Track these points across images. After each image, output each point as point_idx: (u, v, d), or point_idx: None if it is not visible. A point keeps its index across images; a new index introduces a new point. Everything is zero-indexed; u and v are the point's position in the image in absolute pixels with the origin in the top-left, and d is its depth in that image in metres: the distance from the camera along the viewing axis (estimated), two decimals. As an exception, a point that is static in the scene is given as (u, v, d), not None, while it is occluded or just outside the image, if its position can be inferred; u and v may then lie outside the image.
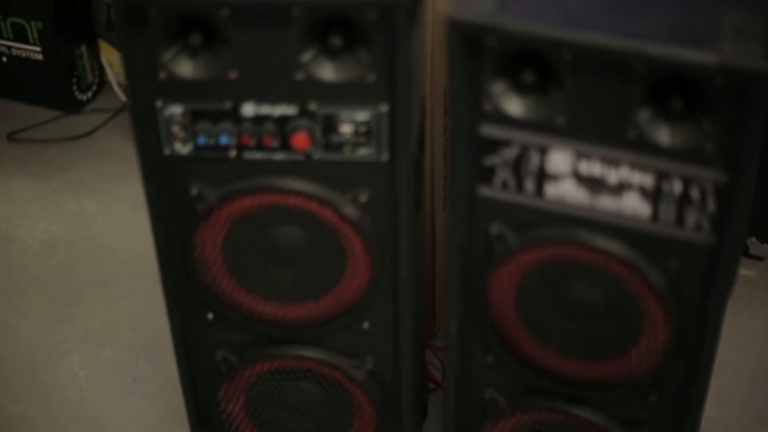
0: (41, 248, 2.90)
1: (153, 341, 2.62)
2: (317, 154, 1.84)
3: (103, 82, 3.38)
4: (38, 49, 3.27)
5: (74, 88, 3.33)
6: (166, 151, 1.86)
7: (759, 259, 2.83)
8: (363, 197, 1.87)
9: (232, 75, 1.78)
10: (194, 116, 1.82)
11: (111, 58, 3.22)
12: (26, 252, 2.89)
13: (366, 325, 2.01)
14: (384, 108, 1.79)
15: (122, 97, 3.20)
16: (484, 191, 1.80)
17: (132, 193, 2.90)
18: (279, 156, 1.85)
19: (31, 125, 3.29)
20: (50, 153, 3.21)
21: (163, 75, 1.78)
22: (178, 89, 1.80)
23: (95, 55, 3.31)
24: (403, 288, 1.96)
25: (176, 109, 1.82)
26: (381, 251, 1.93)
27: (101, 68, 3.34)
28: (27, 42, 3.27)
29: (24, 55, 3.29)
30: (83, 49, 3.31)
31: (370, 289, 1.97)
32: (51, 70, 3.29)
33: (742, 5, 1.66)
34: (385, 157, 1.84)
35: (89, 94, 3.37)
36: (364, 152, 1.83)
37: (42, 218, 2.97)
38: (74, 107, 3.33)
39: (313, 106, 1.80)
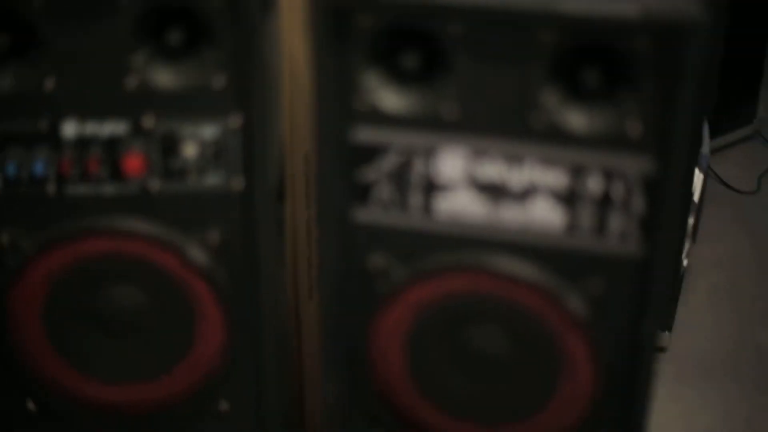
0: None
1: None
2: (155, 184, 1.50)
3: None
4: None
5: None
6: (-32, 190, 1.51)
7: (661, 350, 2.53)
8: (213, 238, 1.53)
9: (49, 85, 1.45)
10: (2, 140, 1.48)
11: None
12: None
13: (225, 406, 1.64)
14: (236, 121, 1.47)
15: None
16: (360, 215, 1.48)
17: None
18: (109, 189, 1.51)
19: None
20: None
21: (-42, 88, 1.45)
22: (-20, 107, 1.46)
23: None
24: (266, 353, 1.61)
25: (-22, 133, 1.48)
26: (237, 307, 1.58)
27: None
28: None
29: None
30: None
31: (225, 358, 1.61)
32: None
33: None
34: (238, 185, 1.51)
35: None
36: (212, 180, 1.51)
37: None
38: None
39: (148, 122, 1.48)
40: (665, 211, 1.37)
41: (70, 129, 1.48)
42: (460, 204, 1.44)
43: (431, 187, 1.44)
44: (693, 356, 2.63)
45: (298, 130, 1.84)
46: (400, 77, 1.40)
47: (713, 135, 3.14)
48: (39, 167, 1.49)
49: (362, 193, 1.46)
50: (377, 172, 1.44)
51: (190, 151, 1.49)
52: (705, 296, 2.82)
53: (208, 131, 1.48)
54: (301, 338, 2.03)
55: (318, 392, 1.94)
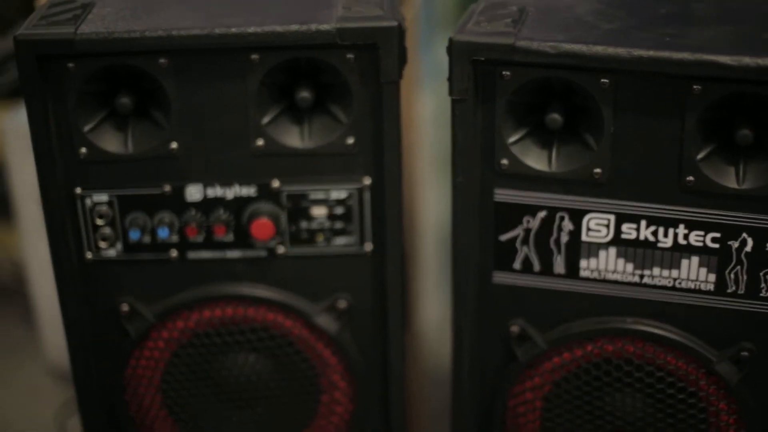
0: None
1: None
2: (282, 248, 1.45)
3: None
4: None
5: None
6: (89, 255, 1.45)
7: None
8: (342, 303, 1.47)
9: (173, 147, 1.40)
10: (124, 205, 1.43)
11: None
12: None
13: (347, 478, 1.58)
14: (366, 182, 1.42)
15: (7, 279, 2.74)
16: (501, 278, 1.42)
17: (24, 379, 2.44)
18: (234, 253, 1.45)
19: None
20: None
21: (83, 152, 1.40)
22: (102, 170, 1.41)
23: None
24: (396, 424, 1.54)
25: (101, 197, 1.42)
26: (366, 377, 1.52)
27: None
28: None
29: None
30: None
31: (352, 430, 1.55)
32: None
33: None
34: (368, 247, 1.45)
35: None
36: (342, 242, 1.45)
37: None
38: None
39: (276, 184, 1.42)
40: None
41: (195, 193, 1.42)
42: (606, 265, 1.38)
43: (577, 248, 1.38)
44: None
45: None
46: (546, 133, 1.35)
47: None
48: (163, 232, 1.43)
49: (504, 254, 1.40)
50: (521, 233, 1.39)
51: (319, 212, 1.44)
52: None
53: (338, 192, 1.42)
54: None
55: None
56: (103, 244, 1.44)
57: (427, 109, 2.19)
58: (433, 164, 2.30)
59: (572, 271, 1.39)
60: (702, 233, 1.33)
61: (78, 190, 1.42)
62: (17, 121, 2.24)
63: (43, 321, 2.40)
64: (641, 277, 1.37)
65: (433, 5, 2.12)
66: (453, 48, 1.31)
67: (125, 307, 1.47)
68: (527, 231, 1.38)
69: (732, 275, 1.34)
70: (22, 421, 2.33)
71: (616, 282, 1.38)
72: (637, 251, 1.36)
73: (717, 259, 1.34)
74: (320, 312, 1.47)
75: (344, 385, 1.52)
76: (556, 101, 1.33)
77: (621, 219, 1.35)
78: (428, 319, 2.38)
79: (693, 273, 1.36)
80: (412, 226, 1.99)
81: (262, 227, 1.43)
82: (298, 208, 1.43)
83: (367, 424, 1.55)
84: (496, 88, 1.32)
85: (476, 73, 1.32)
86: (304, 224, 1.44)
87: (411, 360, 1.97)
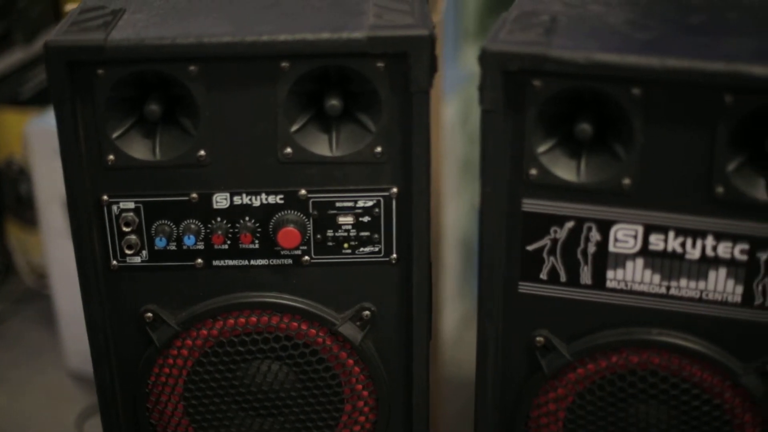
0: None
1: None
2: (308, 256, 1.45)
3: (10, 265, 2.91)
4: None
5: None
6: (114, 262, 1.45)
7: None
8: (366, 312, 1.47)
9: (201, 155, 1.39)
10: (151, 212, 1.43)
11: (21, 239, 2.78)
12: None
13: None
14: (393, 192, 1.41)
15: (29, 282, 2.76)
16: (527, 288, 1.42)
17: (45, 382, 2.44)
18: (259, 261, 1.45)
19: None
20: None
21: (111, 159, 1.40)
22: (129, 177, 1.41)
23: (1, 236, 2.87)
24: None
25: (127, 204, 1.42)
26: (389, 387, 1.51)
27: (7, 251, 2.87)
28: None
29: None
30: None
31: (372, 439, 1.55)
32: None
33: None
34: (394, 256, 1.45)
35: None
36: (368, 251, 1.45)
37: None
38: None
39: (303, 192, 1.42)
40: None
41: (222, 200, 1.42)
42: (632, 275, 1.37)
43: (604, 259, 1.37)
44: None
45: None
46: (575, 144, 1.34)
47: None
48: (189, 240, 1.43)
49: (531, 264, 1.40)
50: (548, 243, 1.38)
51: (345, 222, 1.43)
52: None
53: (364, 202, 1.42)
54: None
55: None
56: (128, 251, 1.44)
57: (447, 118, 2.19)
58: (453, 172, 2.30)
59: (599, 281, 1.39)
60: (730, 244, 1.33)
61: (105, 197, 1.42)
62: (40, 126, 2.25)
63: (64, 324, 2.41)
64: (668, 288, 1.37)
65: (458, 14, 2.13)
66: (485, 58, 1.30)
67: (149, 315, 1.47)
68: (554, 241, 1.38)
69: (760, 287, 1.34)
70: (42, 424, 2.33)
71: (642, 293, 1.38)
72: (665, 262, 1.36)
73: (745, 271, 1.34)
74: (344, 321, 1.47)
75: (367, 394, 1.52)
76: (586, 111, 1.33)
77: (649, 230, 1.35)
78: (445, 324, 2.38)
79: (720, 285, 1.35)
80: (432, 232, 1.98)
81: (288, 235, 1.42)
82: (325, 217, 1.43)
83: (389, 432, 1.55)
84: (526, 98, 1.32)
85: (507, 82, 1.31)
86: (330, 233, 1.44)
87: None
